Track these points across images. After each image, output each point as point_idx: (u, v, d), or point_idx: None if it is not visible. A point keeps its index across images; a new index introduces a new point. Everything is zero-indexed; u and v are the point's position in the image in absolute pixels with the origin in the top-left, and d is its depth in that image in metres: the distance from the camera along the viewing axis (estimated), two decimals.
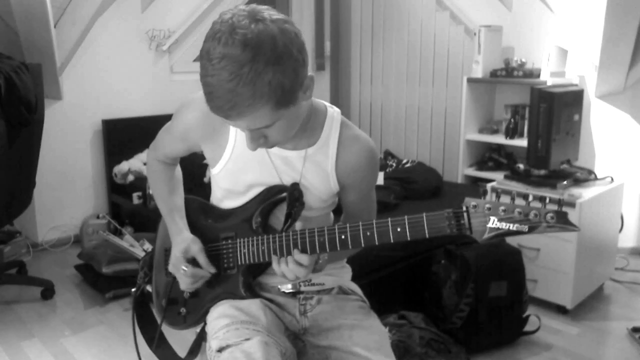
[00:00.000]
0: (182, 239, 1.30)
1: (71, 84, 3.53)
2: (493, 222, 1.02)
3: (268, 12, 0.99)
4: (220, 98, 0.97)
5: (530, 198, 1.02)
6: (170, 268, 1.32)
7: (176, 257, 1.29)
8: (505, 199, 1.03)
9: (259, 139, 1.08)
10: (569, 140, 2.73)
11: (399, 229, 1.07)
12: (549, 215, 0.98)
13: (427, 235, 1.05)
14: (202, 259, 1.26)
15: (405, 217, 1.07)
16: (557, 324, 2.56)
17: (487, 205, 1.02)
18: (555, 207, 0.99)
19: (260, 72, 0.94)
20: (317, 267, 1.22)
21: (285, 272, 1.16)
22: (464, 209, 1.04)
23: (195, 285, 1.28)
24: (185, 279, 1.27)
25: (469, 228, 1.03)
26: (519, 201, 1.01)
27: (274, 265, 1.17)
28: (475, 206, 1.03)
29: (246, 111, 0.98)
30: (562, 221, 0.98)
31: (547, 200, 1.01)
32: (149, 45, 3.85)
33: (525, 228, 1.00)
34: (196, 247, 1.27)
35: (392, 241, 1.08)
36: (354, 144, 1.22)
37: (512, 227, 1.01)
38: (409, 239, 1.07)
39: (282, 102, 1.00)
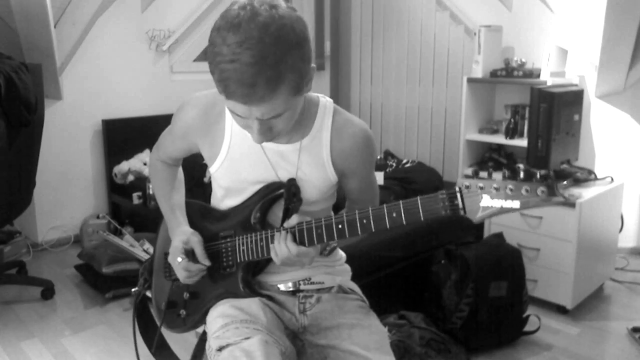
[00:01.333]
0: (182, 231, 1.31)
1: (71, 84, 3.53)
2: (485, 201, 1.03)
3: (280, 1, 1.01)
4: (240, 82, 0.96)
5: (522, 175, 1.04)
6: (170, 258, 1.32)
7: (175, 247, 1.29)
8: (497, 177, 1.04)
9: (266, 131, 1.07)
10: (569, 140, 2.73)
11: (394, 214, 1.08)
12: (539, 190, 1.00)
13: (422, 218, 1.06)
14: (198, 250, 1.27)
15: (400, 202, 1.08)
16: (557, 324, 2.56)
17: (480, 184, 1.04)
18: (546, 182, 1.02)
19: (283, 56, 0.95)
20: (324, 252, 1.24)
21: (277, 248, 1.16)
22: (457, 189, 1.05)
23: (192, 279, 1.28)
24: (181, 271, 1.27)
25: (462, 208, 1.05)
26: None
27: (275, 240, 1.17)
28: (467, 186, 1.05)
29: (267, 96, 0.98)
30: (553, 194, 1.01)
31: (538, 175, 1.03)
32: (149, 45, 3.85)
33: (517, 204, 1.02)
34: (195, 239, 1.28)
35: (388, 227, 1.09)
36: (346, 128, 1.22)
37: (504, 203, 1.02)
38: (404, 223, 1.07)
39: (298, 89, 1.01)
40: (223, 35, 0.96)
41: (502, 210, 1.03)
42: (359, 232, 1.11)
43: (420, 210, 1.06)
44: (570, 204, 2.48)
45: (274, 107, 1.01)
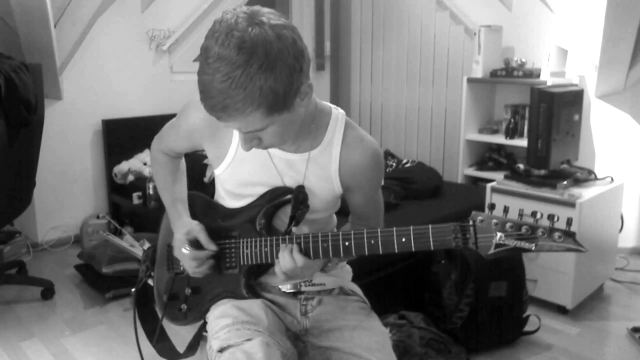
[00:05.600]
0: (183, 222, 1.32)
1: (71, 84, 3.53)
2: (500, 238, 1.01)
3: (268, 17, 0.98)
4: (213, 98, 0.97)
5: (539, 215, 1.00)
6: (175, 252, 1.32)
7: (179, 239, 1.29)
8: (513, 214, 1.01)
9: (252, 141, 1.08)
10: (569, 140, 2.73)
11: (403, 239, 1.07)
12: (556, 235, 0.97)
13: (432, 248, 1.05)
14: (203, 237, 1.26)
15: (411, 227, 1.06)
16: (557, 324, 2.56)
17: (494, 221, 1.01)
18: (563, 227, 0.98)
19: (252, 77, 0.94)
20: (326, 269, 1.22)
21: (281, 259, 1.15)
22: (471, 223, 1.03)
23: (200, 269, 1.28)
24: (189, 261, 1.27)
25: (474, 243, 1.02)
26: (527, 217, 1.00)
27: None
28: (482, 220, 1.02)
29: (236, 114, 0.98)
30: (570, 241, 0.97)
31: (556, 218, 0.99)
32: (149, 45, 3.85)
33: (532, 246, 0.99)
34: (198, 227, 1.28)
35: (396, 251, 1.07)
36: (357, 145, 1.21)
37: (519, 244, 0.99)
38: (413, 250, 1.06)
39: (275, 108, 0.99)
40: (206, 46, 0.97)
41: (515, 250, 1.00)
42: (366, 252, 1.11)
43: (431, 240, 1.04)
44: (570, 204, 2.48)
45: (248, 124, 1.01)
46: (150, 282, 1.46)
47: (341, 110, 1.24)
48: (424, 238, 1.05)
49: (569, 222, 0.99)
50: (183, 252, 1.26)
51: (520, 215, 1.02)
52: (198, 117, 1.24)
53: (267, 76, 0.95)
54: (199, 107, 1.24)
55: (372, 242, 1.09)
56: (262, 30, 0.95)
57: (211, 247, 1.26)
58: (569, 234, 0.98)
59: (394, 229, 1.08)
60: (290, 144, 1.19)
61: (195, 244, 1.27)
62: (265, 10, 1.00)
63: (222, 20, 0.98)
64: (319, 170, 1.22)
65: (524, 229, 0.99)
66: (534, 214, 1.01)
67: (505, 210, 1.03)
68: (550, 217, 1.00)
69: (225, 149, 1.24)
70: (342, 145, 1.21)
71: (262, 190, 1.24)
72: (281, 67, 0.96)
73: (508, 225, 1.00)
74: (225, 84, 0.94)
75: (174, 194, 1.39)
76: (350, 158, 1.21)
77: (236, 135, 1.22)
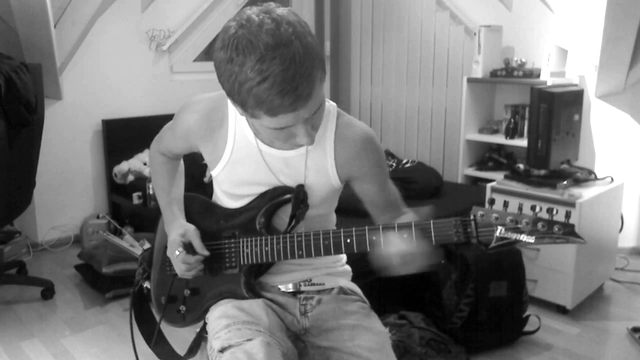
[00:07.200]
0: (179, 224, 1.31)
1: (71, 84, 3.53)
2: (500, 232, 1.02)
3: (270, 3, 1.00)
4: (282, 93, 0.93)
5: (538, 209, 1.02)
6: (168, 252, 1.32)
7: (173, 240, 1.29)
8: (512, 208, 1.02)
9: (312, 130, 1.06)
10: (569, 140, 2.73)
11: (405, 235, 1.07)
12: (556, 227, 0.99)
13: (433, 243, 1.05)
14: (197, 242, 1.26)
15: (412, 222, 1.07)
16: (557, 324, 2.56)
17: (495, 215, 1.02)
18: (562, 219, 1.00)
19: (305, 47, 0.94)
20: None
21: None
22: (472, 217, 1.04)
23: (190, 273, 1.28)
24: (180, 264, 1.27)
25: (476, 237, 1.03)
26: (527, 212, 1.02)
27: None
28: (482, 215, 1.03)
29: (312, 91, 0.96)
30: (569, 233, 0.99)
31: (555, 211, 1.01)
32: (149, 45, 3.85)
33: (532, 239, 1.00)
34: (192, 232, 1.28)
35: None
36: (348, 132, 1.21)
37: (519, 237, 1.01)
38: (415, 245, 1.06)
39: (324, 70, 1.00)
40: (240, 62, 0.93)
41: (516, 243, 1.02)
42: (368, 248, 1.11)
43: (433, 234, 1.05)
44: (570, 204, 2.48)
45: (316, 100, 0.99)
46: (147, 284, 1.46)
47: (332, 103, 1.24)
48: (425, 233, 1.06)
49: (568, 214, 1.01)
50: (176, 253, 1.26)
51: (520, 209, 1.03)
52: (193, 119, 1.24)
53: (312, 38, 0.97)
54: (193, 108, 1.25)
55: (374, 238, 1.09)
56: (281, 10, 0.97)
57: (204, 252, 1.26)
58: (568, 226, 0.99)
59: (396, 224, 1.09)
60: (284, 141, 1.19)
61: (189, 247, 1.27)
62: (257, 5, 1.01)
63: (237, 28, 0.95)
64: (315, 165, 1.22)
65: (524, 222, 1.01)
66: (533, 207, 1.02)
67: (505, 205, 1.05)
68: (550, 210, 1.01)
69: (221, 150, 1.24)
70: (335, 136, 1.21)
71: (259, 189, 1.24)
72: (311, 31, 0.99)
73: (508, 219, 1.02)
74: (291, 68, 0.92)
75: (170, 195, 1.38)
76: (343, 148, 1.21)
77: (231, 136, 1.22)
